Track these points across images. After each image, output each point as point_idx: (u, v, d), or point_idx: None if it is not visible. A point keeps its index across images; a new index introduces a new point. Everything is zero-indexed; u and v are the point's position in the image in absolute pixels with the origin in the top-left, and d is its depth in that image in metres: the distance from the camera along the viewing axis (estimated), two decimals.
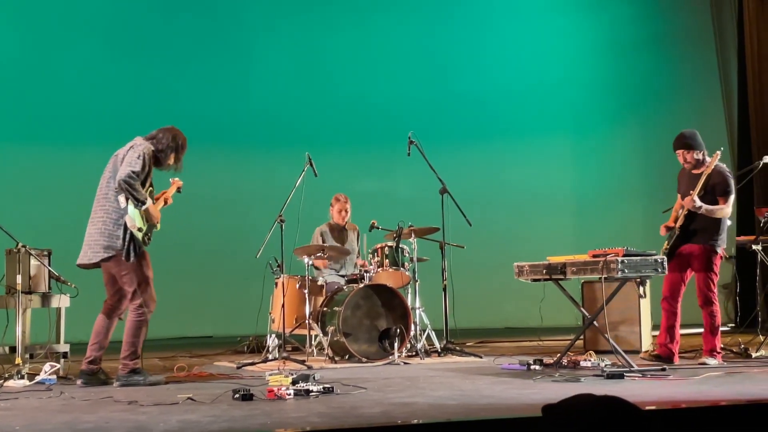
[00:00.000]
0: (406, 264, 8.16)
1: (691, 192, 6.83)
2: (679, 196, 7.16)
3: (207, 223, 11.92)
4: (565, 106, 13.39)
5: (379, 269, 8.06)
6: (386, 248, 8.11)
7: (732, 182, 6.96)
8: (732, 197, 6.95)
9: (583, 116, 13.50)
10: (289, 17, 12.72)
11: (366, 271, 7.97)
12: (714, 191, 6.88)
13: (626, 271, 6.32)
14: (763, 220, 8.13)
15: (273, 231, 7.74)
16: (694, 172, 7.00)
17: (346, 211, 8.83)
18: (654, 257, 6.45)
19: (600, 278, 6.45)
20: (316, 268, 8.55)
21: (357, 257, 8.92)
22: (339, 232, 8.86)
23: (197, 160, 11.74)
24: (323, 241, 8.68)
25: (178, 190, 6.64)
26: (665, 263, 6.45)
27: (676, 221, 6.99)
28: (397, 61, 13.01)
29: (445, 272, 8.29)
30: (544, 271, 6.71)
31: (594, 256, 6.50)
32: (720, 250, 6.93)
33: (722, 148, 7.04)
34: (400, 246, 8.12)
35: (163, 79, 11.95)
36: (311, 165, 8.05)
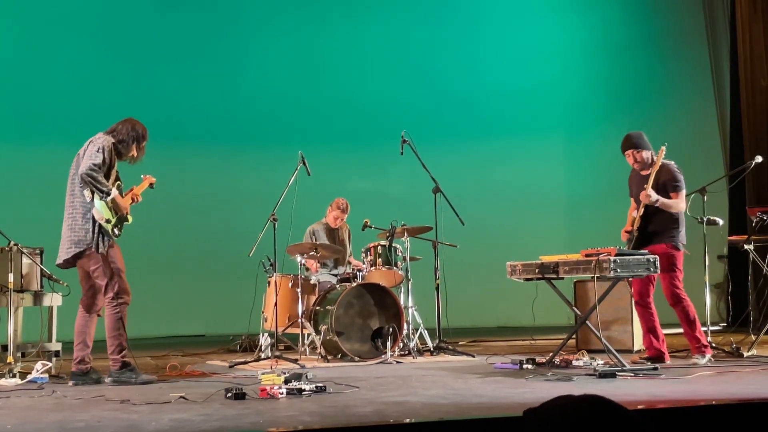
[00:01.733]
0: (398, 263, 8.17)
1: (645, 186, 6.83)
2: (632, 200, 7.18)
3: (200, 222, 11.92)
4: (557, 106, 13.41)
5: (371, 268, 8.06)
6: (379, 247, 8.11)
7: (681, 177, 6.96)
8: (683, 192, 6.95)
9: (575, 116, 13.52)
10: (283, 15, 12.71)
11: (359, 270, 7.97)
12: (665, 188, 6.90)
13: (618, 270, 6.32)
14: (755, 220, 8.15)
15: (266, 230, 7.74)
16: (643, 173, 7.03)
17: (342, 220, 8.86)
18: (646, 257, 6.46)
19: (592, 277, 6.46)
20: (307, 269, 8.54)
21: (349, 256, 8.92)
22: (331, 231, 8.88)
23: (190, 159, 11.88)
24: (315, 240, 8.69)
25: (151, 185, 6.61)
26: (657, 263, 6.45)
27: (633, 225, 7.00)
28: (390, 60, 13.01)
29: (438, 271, 8.29)
30: (537, 270, 6.71)
31: (586, 255, 6.50)
32: (681, 247, 6.94)
33: (666, 144, 7.01)
34: (393, 245, 8.12)
35: (156, 77, 11.94)
36: (304, 164, 8.04)
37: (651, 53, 13.71)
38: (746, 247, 8.16)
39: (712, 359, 6.88)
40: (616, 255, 6.36)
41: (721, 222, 7.62)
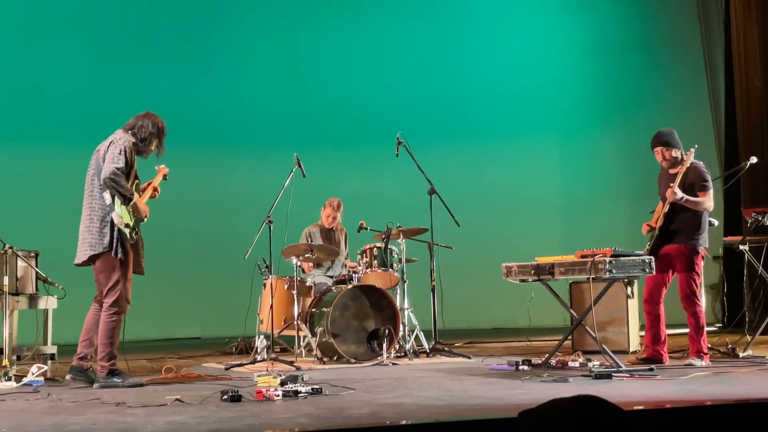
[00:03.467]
0: (394, 265, 8.16)
1: (672, 184, 6.81)
2: (660, 198, 7.17)
3: (195, 224, 11.90)
4: (552, 107, 13.43)
5: (367, 270, 8.06)
6: (375, 249, 8.11)
7: (708, 176, 6.93)
8: (711, 191, 6.92)
9: (570, 117, 13.54)
10: (278, 17, 12.70)
11: (354, 272, 7.97)
12: (692, 188, 6.87)
13: (614, 271, 6.32)
14: (750, 221, 8.16)
15: (261, 232, 7.73)
16: (672, 171, 7.00)
17: (335, 218, 8.86)
18: (642, 257, 6.46)
19: (588, 278, 6.46)
20: (303, 270, 8.54)
21: (345, 258, 8.92)
22: (327, 233, 8.87)
23: (186, 160, 11.80)
24: (310, 242, 8.68)
25: (165, 177, 6.57)
26: (653, 263, 6.46)
27: (657, 222, 6.98)
28: (385, 62, 13.01)
29: (434, 273, 8.29)
30: (533, 271, 6.71)
31: (582, 256, 6.50)
32: (701, 250, 6.90)
33: (696, 145, 7.03)
34: (389, 247, 8.11)
35: (151, 79, 11.92)
36: (300, 166, 8.04)
37: (645, 54, 13.73)
38: (741, 247, 8.17)
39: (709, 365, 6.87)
40: (612, 256, 6.36)
41: (716, 223, 7.61)
